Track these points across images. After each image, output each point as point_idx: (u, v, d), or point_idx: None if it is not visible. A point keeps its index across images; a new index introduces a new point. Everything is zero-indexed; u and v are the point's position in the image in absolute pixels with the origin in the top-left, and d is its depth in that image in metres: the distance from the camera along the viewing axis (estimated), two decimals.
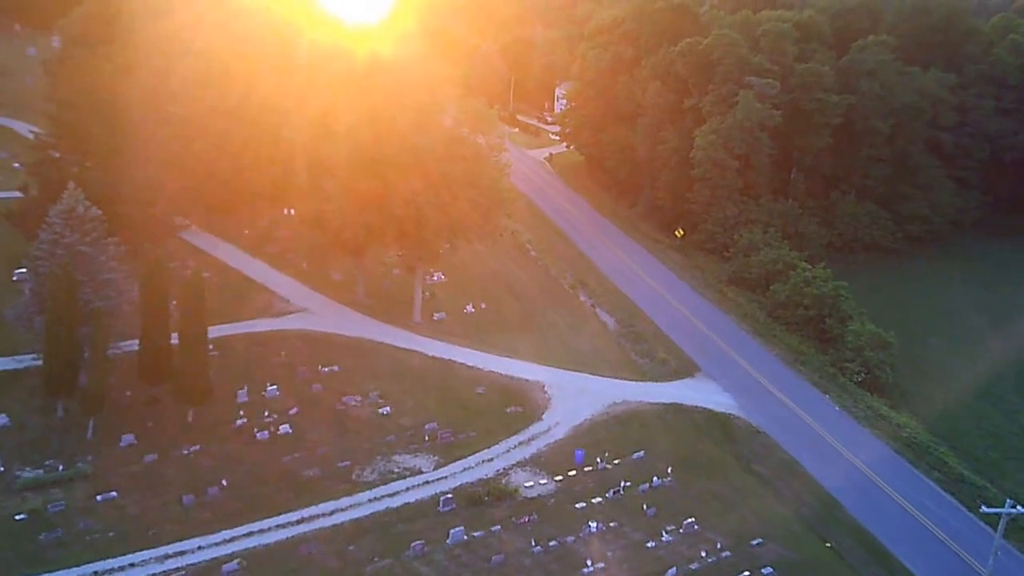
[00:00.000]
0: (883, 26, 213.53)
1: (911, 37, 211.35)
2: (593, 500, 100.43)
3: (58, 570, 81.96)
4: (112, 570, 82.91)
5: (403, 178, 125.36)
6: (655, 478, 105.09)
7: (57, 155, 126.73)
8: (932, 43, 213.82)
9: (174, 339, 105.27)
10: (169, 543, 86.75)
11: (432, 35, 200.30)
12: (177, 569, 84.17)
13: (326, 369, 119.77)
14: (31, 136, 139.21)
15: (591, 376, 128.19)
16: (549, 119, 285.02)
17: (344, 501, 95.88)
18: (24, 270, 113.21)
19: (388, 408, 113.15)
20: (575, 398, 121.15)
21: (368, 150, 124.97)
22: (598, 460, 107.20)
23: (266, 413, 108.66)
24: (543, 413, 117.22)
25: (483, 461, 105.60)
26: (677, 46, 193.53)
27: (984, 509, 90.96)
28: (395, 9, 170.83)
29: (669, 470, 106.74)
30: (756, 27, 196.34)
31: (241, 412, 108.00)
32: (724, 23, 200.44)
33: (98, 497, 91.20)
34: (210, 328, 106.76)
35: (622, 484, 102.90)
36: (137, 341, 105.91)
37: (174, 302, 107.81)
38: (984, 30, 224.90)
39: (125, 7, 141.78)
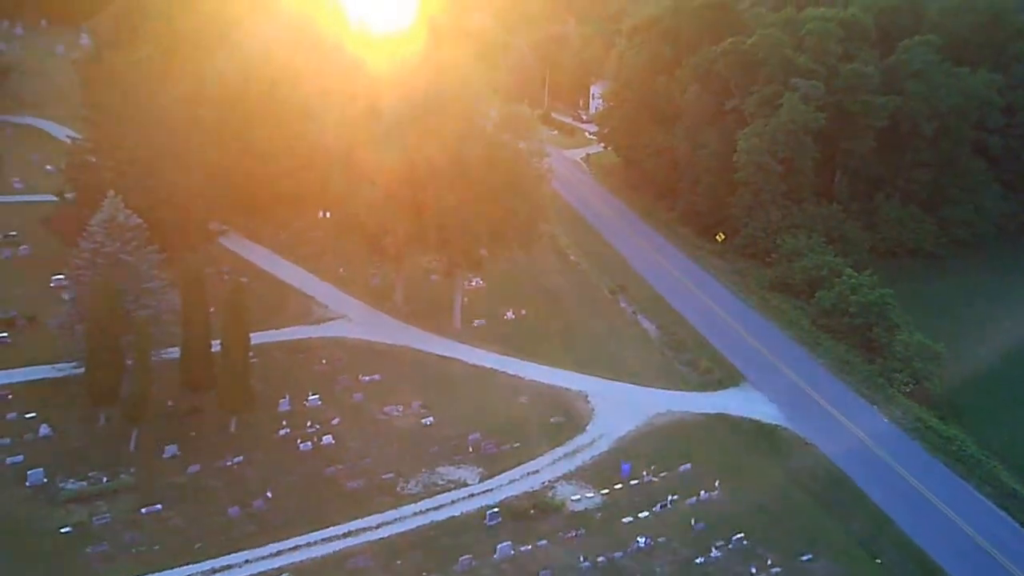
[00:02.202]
0: (927, 24, 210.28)
1: (956, 35, 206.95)
2: (640, 514, 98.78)
3: None
4: None
5: (445, 185, 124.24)
6: (702, 491, 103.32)
7: (94, 160, 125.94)
8: (978, 42, 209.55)
9: (215, 347, 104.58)
10: (216, 557, 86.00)
11: (467, 35, 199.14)
12: None
13: (367, 378, 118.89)
14: (66, 140, 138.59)
15: (634, 386, 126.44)
16: (584, 118, 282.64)
17: (390, 514, 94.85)
18: (62, 276, 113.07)
19: (431, 418, 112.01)
20: (618, 408, 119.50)
21: (409, 157, 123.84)
22: (644, 473, 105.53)
23: (308, 423, 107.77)
24: (587, 424, 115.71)
25: (528, 473, 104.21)
26: (718, 46, 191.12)
27: None
28: (429, 9, 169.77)
29: (717, 483, 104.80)
30: (800, 26, 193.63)
31: (283, 422, 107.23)
32: (767, 21, 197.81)
33: (143, 510, 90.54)
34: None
35: (669, 498, 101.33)
36: (178, 349, 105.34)
37: (212, 309, 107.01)
38: None
39: (158, 7, 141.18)
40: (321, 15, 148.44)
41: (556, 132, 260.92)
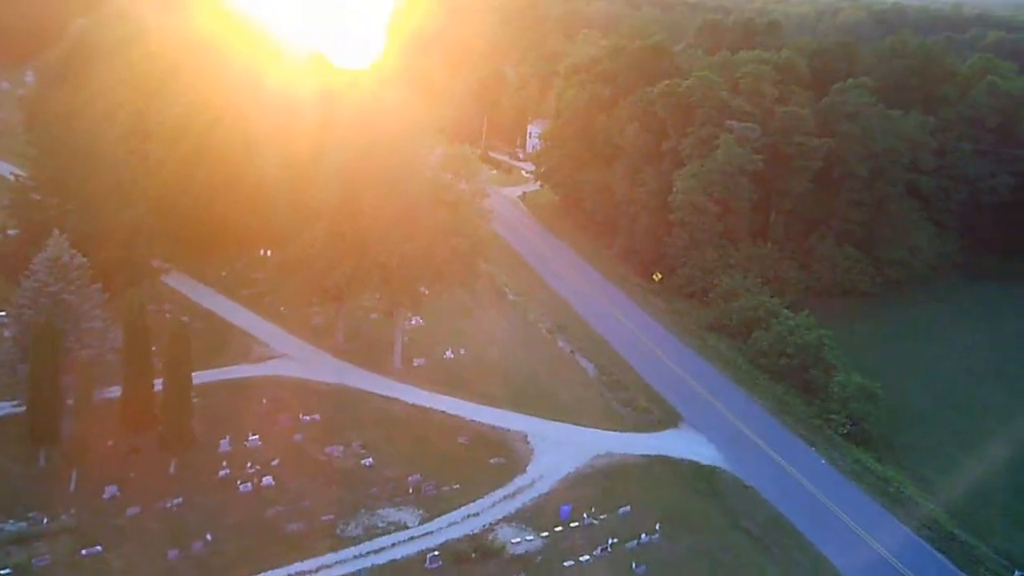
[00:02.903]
0: (860, 67, 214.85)
1: (888, 79, 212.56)
2: (581, 558, 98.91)
3: None
4: None
5: (388, 224, 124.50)
6: (643, 534, 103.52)
7: (38, 197, 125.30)
8: (910, 85, 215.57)
9: (157, 385, 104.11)
10: None
11: (410, 73, 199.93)
12: None
13: (307, 417, 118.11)
14: (11, 178, 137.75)
15: (573, 426, 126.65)
16: (521, 156, 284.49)
17: (330, 557, 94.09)
18: (4, 314, 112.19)
19: (371, 459, 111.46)
20: (558, 449, 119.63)
21: (353, 196, 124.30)
22: (584, 515, 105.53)
23: (249, 464, 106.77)
24: (527, 465, 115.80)
25: (468, 516, 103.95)
26: (655, 87, 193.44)
27: None
28: (374, 48, 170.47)
29: (657, 526, 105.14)
30: (735, 69, 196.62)
31: (224, 463, 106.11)
32: (703, 64, 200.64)
33: (83, 552, 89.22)
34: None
35: (610, 541, 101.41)
36: (119, 388, 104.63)
37: (155, 348, 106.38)
38: (961, 72, 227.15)
39: (103, 47, 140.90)
40: (266, 54, 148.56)
41: (495, 171, 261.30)
